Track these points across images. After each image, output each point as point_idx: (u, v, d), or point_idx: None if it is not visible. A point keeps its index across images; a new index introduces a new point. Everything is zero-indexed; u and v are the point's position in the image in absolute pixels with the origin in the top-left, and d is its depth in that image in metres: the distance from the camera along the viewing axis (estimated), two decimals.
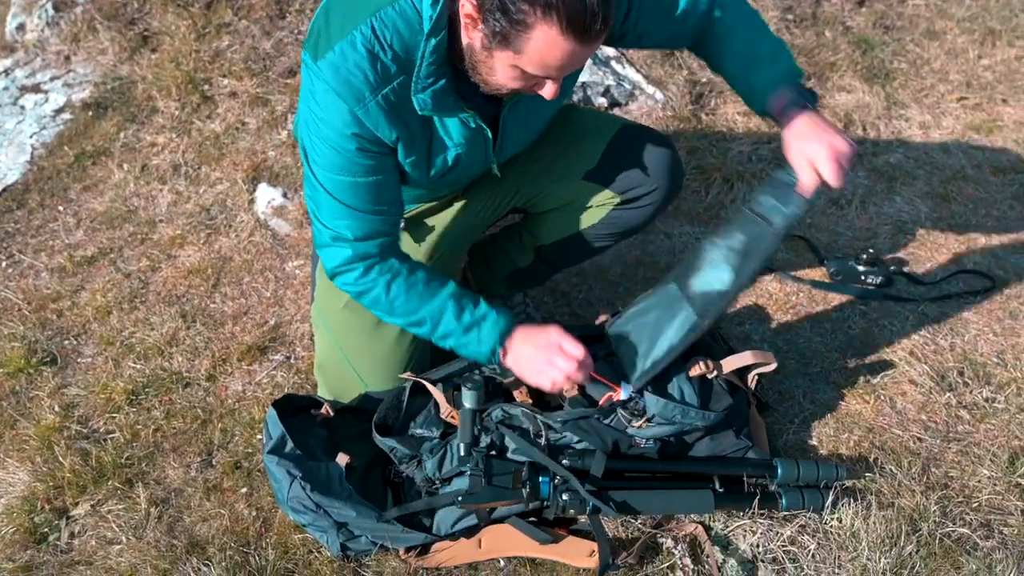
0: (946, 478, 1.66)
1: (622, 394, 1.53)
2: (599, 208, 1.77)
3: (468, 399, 1.53)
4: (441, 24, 1.25)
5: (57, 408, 1.90)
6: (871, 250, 2.21)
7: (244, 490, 1.71)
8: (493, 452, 1.50)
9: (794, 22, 3.15)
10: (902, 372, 1.93)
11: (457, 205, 1.82)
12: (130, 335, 2.10)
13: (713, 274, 1.52)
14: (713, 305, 1.51)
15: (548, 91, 1.30)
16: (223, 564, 1.51)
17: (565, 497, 1.44)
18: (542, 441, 1.50)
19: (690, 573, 1.49)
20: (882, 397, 1.87)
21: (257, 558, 1.54)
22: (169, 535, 1.61)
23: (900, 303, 2.15)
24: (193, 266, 2.30)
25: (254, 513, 1.65)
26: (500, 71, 1.26)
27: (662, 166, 1.70)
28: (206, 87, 2.80)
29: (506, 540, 1.51)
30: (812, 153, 1.39)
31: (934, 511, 1.55)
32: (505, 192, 1.79)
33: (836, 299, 2.18)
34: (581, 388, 1.58)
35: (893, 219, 2.48)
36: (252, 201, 2.48)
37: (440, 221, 1.81)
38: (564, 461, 1.48)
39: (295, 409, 1.68)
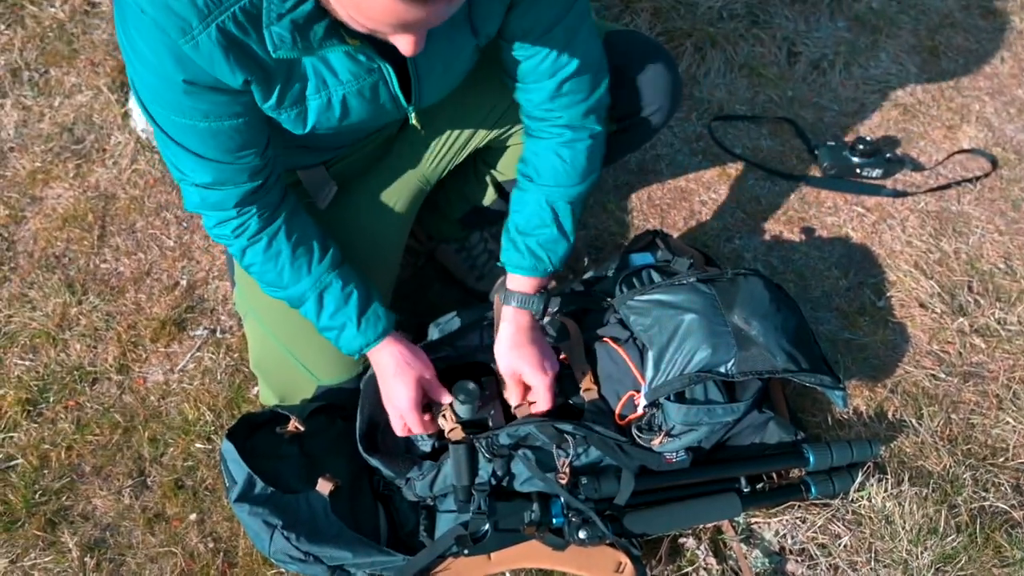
0: (968, 427, 1.56)
1: (642, 401, 1.31)
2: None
3: (462, 411, 1.30)
4: None
5: None
6: (865, 137, 1.96)
7: (193, 516, 1.46)
8: (495, 482, 1.29)
9: None
10: (909, 292, 1.77)
11: (392, 161, 1.44)
12: (7, 320, 1.69)
13: None
14: None
15: (403, 45, 0.94)
16: None
17: (583, 535, 1.25)
18: (565, 460, 1.27)
19: (715, 574, 1.38)
20: (891, 326, 1.72)
21: None
22: None
23: (898, 198, 1.94)
24: (68, 211, 1.84)
25: (211, 545, 1.42)
26: (336, 5, 0.92)
27: (663, 82, 1.38)
28: None
29: (519, 551, 1.32)
30: (530, 379, 1.32)
31: (965, 479, 1.46)
32: (454, 132, 1.42)
33: (829, 197, 1.95)
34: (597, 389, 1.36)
35: (880, 84, 2.20)
36: (126, 115, 1.98)
37: (371, 185, 1.44)
38: (580, 495, 1.27)
39: (254, 427, 1.40)
